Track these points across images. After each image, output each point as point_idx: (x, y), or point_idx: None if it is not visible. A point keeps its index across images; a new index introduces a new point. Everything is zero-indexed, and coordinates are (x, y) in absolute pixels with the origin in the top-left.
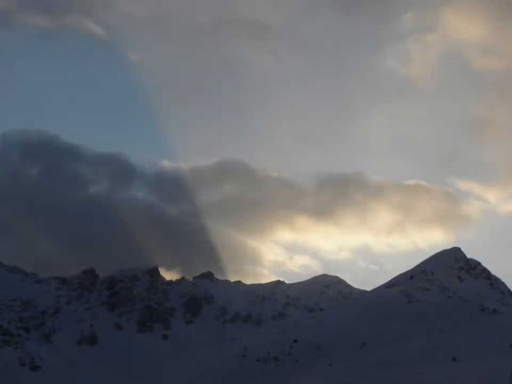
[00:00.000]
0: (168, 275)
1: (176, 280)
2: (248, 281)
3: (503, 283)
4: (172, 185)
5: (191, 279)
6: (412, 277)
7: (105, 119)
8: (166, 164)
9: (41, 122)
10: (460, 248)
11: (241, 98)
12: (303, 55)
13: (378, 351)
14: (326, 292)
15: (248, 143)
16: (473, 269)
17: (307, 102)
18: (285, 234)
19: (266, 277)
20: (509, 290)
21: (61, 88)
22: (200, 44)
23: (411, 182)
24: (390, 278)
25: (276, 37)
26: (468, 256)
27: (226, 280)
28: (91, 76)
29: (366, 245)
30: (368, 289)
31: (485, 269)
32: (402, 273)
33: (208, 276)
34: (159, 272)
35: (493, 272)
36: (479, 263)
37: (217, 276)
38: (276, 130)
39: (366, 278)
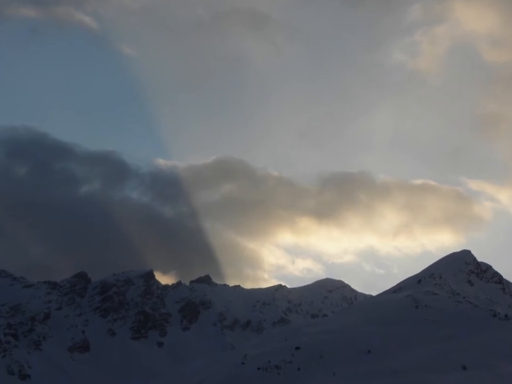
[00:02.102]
0: (164, 279)
1: (172, 284)
2: (247, 285)
3: None
4: (167, 185)
5: (187, 283)
6: (419, 281)
7: (97, 115)
8: (162, 162)
9: (30, 119)
10: (470, 251)
11: (240, 94)
12: (304, 48)
13: (384, 359)
14: (329, 296)
15: (248, 141)
16: (484, 272)
17: (308, 97)
18: (286, 237)
19: (267, 281)
20: None
21: (51, 83)
22: (197, 37)
23: (419, 181)
24: (397, 282)
25: (275, 28)
26: (479, 259)
27: (225, 285)
28: (83, 70)
29: (371, 248)
30: (374, 294)
31: (496, 273)
32: (409, 277)
33: (206, 280)
34: (154, 276)
35: (504, 276)
36: (490, 267)
37: (215, 280)
38: (276, 127)
39: (371, 282)
